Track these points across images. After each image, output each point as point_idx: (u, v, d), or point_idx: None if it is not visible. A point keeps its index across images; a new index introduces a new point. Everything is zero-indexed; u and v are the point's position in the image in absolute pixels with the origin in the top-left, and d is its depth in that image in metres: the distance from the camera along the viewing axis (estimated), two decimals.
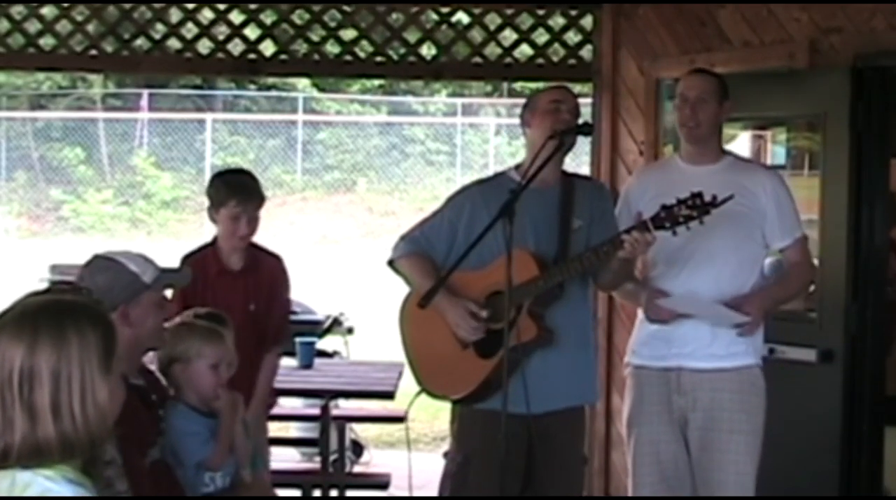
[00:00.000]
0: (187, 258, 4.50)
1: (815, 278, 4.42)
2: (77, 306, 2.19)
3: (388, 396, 5.48)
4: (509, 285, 3.44)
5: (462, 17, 6.07)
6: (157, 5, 6.01)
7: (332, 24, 6.00)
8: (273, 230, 18.92)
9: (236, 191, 4.44)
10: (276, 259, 4.64)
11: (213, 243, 4.56)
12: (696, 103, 4.07)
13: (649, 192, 4.08)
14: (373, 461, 6.93)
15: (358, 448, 6.98)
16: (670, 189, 3.86)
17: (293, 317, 7.17)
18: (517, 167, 4.08)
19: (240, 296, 4.47)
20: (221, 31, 6.02)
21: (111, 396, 2.13)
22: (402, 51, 5.96)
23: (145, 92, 20.39)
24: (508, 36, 6.00)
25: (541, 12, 5.93)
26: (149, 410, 3.20)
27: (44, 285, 2.91)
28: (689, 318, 4.00)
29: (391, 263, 4.08)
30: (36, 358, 2.07)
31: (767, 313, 4.05)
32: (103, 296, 3.04)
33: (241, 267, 4.53)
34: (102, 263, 3.15)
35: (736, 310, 3.95)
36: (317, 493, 5.80)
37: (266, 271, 4.58)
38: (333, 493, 5.74)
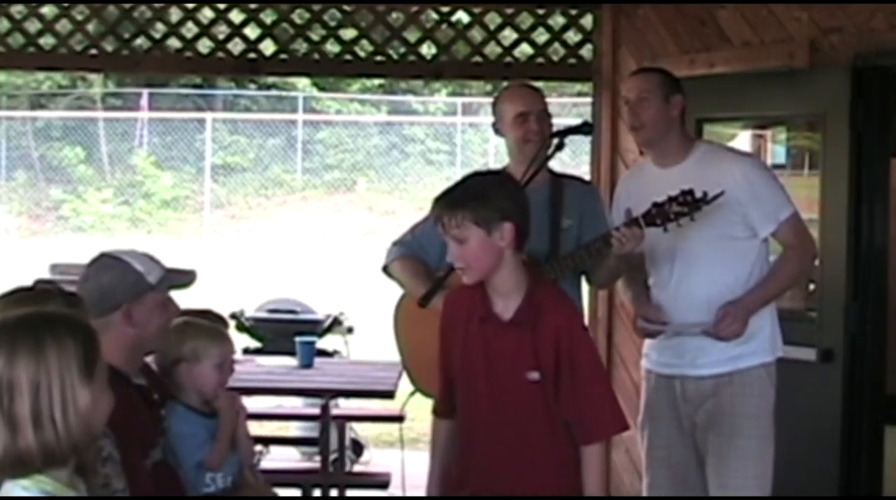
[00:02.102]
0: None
1: (816, 253, 4.30)
2: (55, 317, 2.23)
3: (388, 395, 5.48)
4: None
5: (462, 16, 6.07)
6: (157, 5, 6.01)
7: (332, 24, 6.00)
8: (273, 230, 18.94)
9: None
10: (565, 303, 3.27)
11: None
12: (636, 104, 3.98)
13: (631, 198, 4.05)
14: (373, 461, 6.92)
15: (358, 448, 6.98)
16: (643, 194, 3.85)
17: (293, 317, 7.21)
18: (504, 169, 4.09)
19: (514, 358, 3.17)
20: (221, 30, 6.02)
21: (94, 402, 2.16)
22: (402, 50, 5.97)
23: (145, 91, 20.39)
24: (508, 35, 6.00)
25: (541, 12, 5.93)
26: (151, 410, 3.19)
27: (29, 283, 2.92)
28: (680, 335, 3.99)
29: (385, 268, 4.10)
30: (14, 370, 2.10)
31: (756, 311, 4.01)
32: (107, 295, 3.05)
33: (513, 316, 3.18)
34: (108, 261, 3.15)
35: (718, 319, 3.91)
36: (317, 493, 5.80)
37: (552, 325, 3.14)
38: (333, 493, 5.74)
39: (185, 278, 3.23)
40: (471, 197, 3.09)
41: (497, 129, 4.10)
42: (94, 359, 2.17)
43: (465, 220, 3.06)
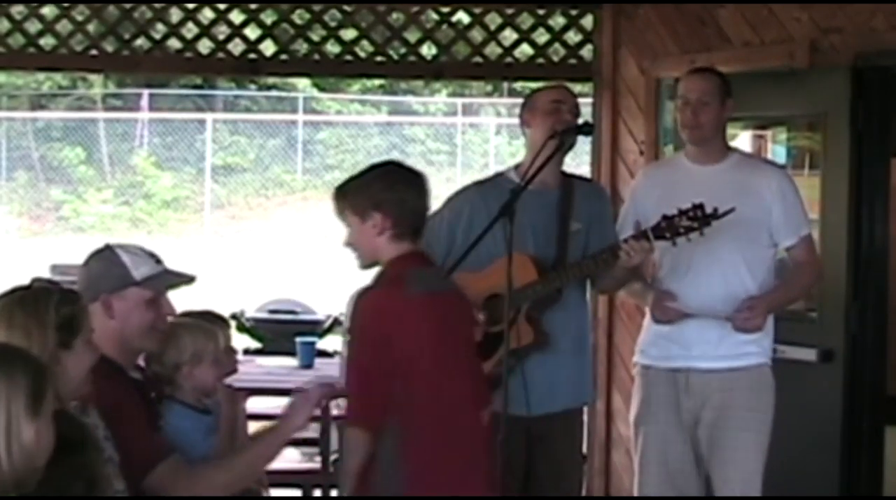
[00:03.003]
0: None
1: (822, 274, 4.39)
2: (7, 351, 2.25)
3: None
4: (510, 285, 3.44)
5: (462, 16, 6.07)
6: (157, 5, 6.00)
7: (333, 24, 6.00)
8: (274, 231, 18.93)
9: None
10: (376, 291, 3.34)
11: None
12: (698, 106, 4.04)
13: (656, 192, 4.08)
14: None
15: None
16: (676, 190, 3.87)
17: (293, 317, 7.23)
18: (516, 168, 4.09)
19: None
20: (222, 30, 6.02)
21: (38, 438, 2.17)
22: (403, 50, 5.96)
23: (145, 92, 20.37)
24: (509, 36, 6.00)
25: (541, 12, 5.93)
26: (148, 405, 3.19)
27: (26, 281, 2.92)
28: (696, 318, 4.00)
29: None
30: None
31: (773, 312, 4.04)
32: (91, 283, 3.08)
33: None
34: (104, 252, 3.17)
35: (742, 310, 3.94)
36: (317, 493, 5.81)
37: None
38: (334, 493, 5.74)
39: (176, 280, 3.21)
40: (353, 187, 3.35)
41: (525, 121, 4.08)
42: (42, 394, 2.20)
43: (344, 208, 3.35)
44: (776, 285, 4.06)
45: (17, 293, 2.74)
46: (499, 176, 4.17)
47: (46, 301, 2.68)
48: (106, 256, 3.14)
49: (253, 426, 4.04)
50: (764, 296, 4.00)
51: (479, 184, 4.19)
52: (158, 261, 3.19)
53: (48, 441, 2.24)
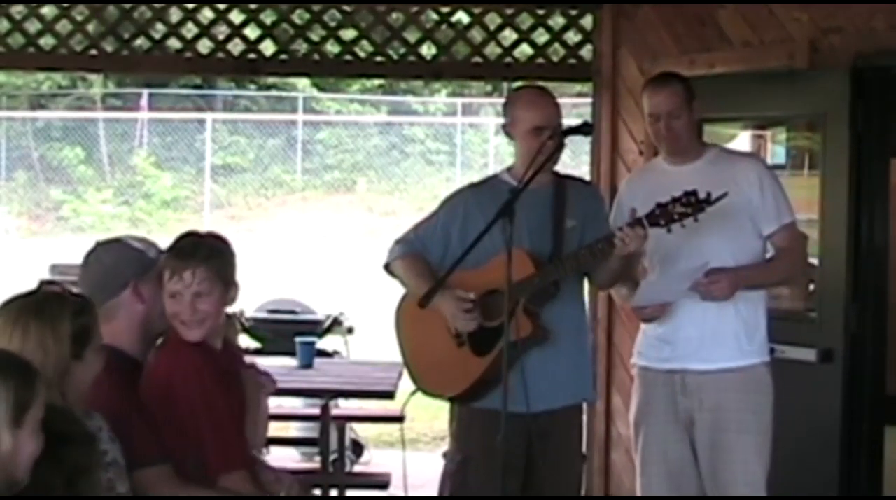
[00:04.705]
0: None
1: (806, 269, 4.38)
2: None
3: (388, 396, 5.49)
4: (509, 284, 3.45)
5: (462, 16, 6.08)
6: (157, 5, 6.01)
7: (332, 24, 6.00)
8: (273, 231, 18.93)
9: None
10: None
11: None
12: (669, 120, 4.04)
13: (638, 197, 4.06)
14: (373, 461, 6.93)
15: (358, 448, 6.98)
16: (656, 191, 3.87)
17: (293, 317, 7.22)
18: (509, 169, 4.10)
19: None
20: (221, 30, 6.02)
21: (17, 448, 2.17)
22: (402, 50, 5.97)
23: (145, 92, 20.37)
24: (508, 36, 6.00)
25: (541, 12, 5.93)
26: None
27: (34, 285, 2.91)
28: (677, 306, 4.00)
29: (387, 266, 4.10)
30: None
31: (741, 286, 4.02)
32: (113, 273, 3.09)
33: None
34: (107, 245, 3.20)
35: (709, 277, 3.93)
36: (317, 493, 5.81)
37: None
38: (333, 493, 5.75)
39: None
40: (223, 252, 3.28)
41: (508, 132, 4.08)
42: (26, 405, 2.19)
43: (218, 272, 3.21)
44: (751, 264, 4.04)
45: (31, 302, 2.69)
46: (493, 178, 4.19)
47: (62, 312, 2.66)
48: (115, 247, 3.19)
49: None
50: (733, 268, 3.97)
51: (473, 186, 4.20)
52: (153, 243, 3.26)
53: (32, 450, 2.23)
